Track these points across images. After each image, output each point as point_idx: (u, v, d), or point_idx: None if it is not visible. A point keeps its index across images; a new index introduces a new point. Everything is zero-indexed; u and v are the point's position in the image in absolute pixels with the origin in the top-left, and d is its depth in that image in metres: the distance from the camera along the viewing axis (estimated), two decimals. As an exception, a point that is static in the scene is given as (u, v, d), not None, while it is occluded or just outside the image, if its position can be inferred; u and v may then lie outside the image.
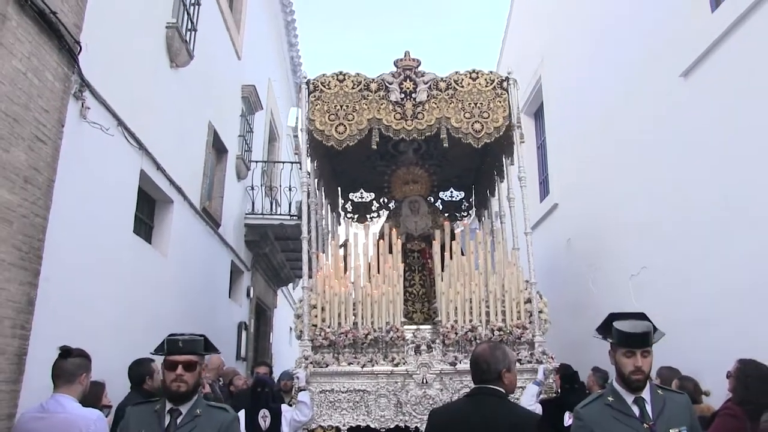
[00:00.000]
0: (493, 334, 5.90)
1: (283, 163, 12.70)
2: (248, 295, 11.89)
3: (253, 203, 11.59)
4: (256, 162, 12.05)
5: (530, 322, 6.07)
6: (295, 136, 17.55)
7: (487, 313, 6.09)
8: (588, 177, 8.65)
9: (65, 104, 4.77)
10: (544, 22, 10.91)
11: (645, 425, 2.90)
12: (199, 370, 3.18)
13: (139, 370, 4.69)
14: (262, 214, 11.66)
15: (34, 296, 4.29)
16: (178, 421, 3.06)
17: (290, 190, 11.41)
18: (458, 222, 9.13)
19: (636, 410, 2.95)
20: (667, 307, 6.02)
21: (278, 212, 11.96)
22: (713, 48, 5.74)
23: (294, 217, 11.23)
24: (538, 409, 5.26)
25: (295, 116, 17.46)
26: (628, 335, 2.98)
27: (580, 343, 6.81)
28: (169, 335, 3.19)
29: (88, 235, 5.26)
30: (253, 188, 11.57)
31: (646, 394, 3.00)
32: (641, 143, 7.08)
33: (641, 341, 2.97)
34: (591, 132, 8.56)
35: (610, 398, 3.02)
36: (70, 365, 3.60)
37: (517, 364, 5.46)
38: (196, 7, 8.06)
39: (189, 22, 7.82)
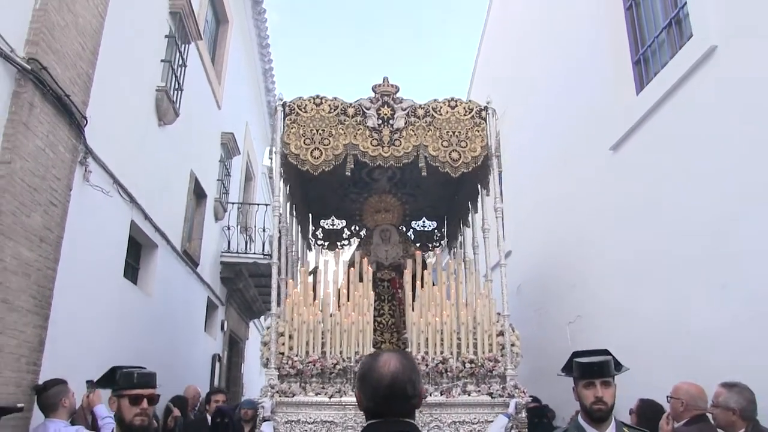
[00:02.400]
0: (465, 367, 5.82)
1: (258, 204, 13.47)
2: (222, 328, 12.59)
3: (228, 242, 12.37)
4: (233, 203, 12.84)
5: (502, 355, 5.97)
6: (270, 177, 18.44)
7: (459, 345, 5.98)
8: (535, 230, 9.59)
9: (73, 171, 5.58)
10: (503, 84, 11.94)
11: None
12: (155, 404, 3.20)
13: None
14: (237, 252, 12.42)
15: (44, 337, 5.05)
16: None
17: (264, 230, 12.23)
18: (430, 252, 8.98)
19: None
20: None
21: (253, 250, 12.72)
22: (638, 125, 6.58)
23: (267, 256, 12.00)
24: None
25: (270, 150, 18.42)
26: (587, 366, 3.06)
27: (526, 380, 7.59)
28: (116, 368, 3.18)
29: (86, 281, 6.02)
30: (229, 228, 12.36)
31: (610, 430, 3.00)
32: (574, 209, 8.04)
33: (599, 371, 3.02)
34: (538, 189, 9.52)
35: None
36: (49, 396, 4.47)
37: (488, 398, 5.73)
38: (183, 68, 8.91)
39: (176, 82, 8.65)
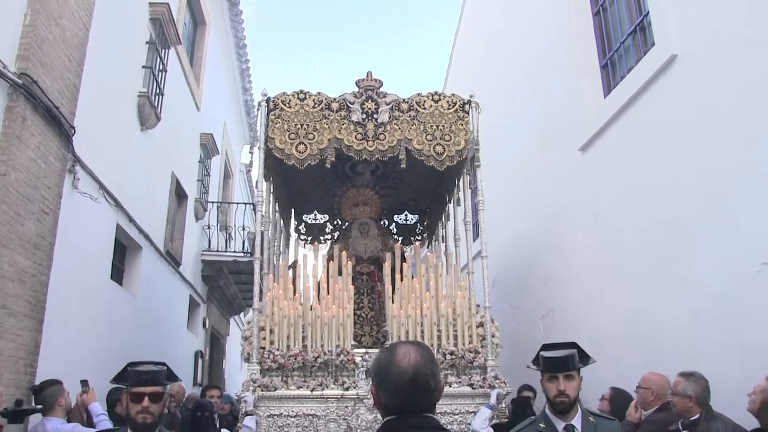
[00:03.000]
0: (445, 358, 5.84)
1: (237, 204, 13.68)
2: (204, 325, 12.81)
3: (209, 241, 12.57)
4: (212, 203, 13.04)
5: (482, 347, 6.02)
6: (248, 172, 18.63)
7: (439, 337, 6.01)
8: (508, 227, 9.94)
9: (62, 179, 5.80)
10: (476, 83, 12.26)
11: None
12: (164, 401, 3.19)
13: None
14: (217, 251, 12.63)
15: (39, 340, 5.29)
16: None
17: (243, 229, 12.46)
18: (410, 245, 8.93)
19: None
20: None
21: (233, 248, 12.95)
22: (606, 127, 6.90)
23: (247, 254, 12.23)
24: None
25: (249, 152, 18.60)
26: (550, 360, 3.14)
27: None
28: (130, 365, 3.22)
29: (76, 285, 6.25)
30: (209, 227, 12.57)
31: (577, 420, 3.07)
32: (546, 207, 8.41)
33: (562, 365, 3.10)
34: (510, 188, 9.84)
35: (541, 425, 3.11)
36: (46, 396, 4.72)
37: (469, 389, 5.78)
38: (163, 73, 9.10)
39: (157, 87, 8.85)
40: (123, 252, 8.28)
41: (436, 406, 1.82)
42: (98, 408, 5.03)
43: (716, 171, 5.00)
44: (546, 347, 3.30)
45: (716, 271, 4.96)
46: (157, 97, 8.80)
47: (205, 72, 12.31)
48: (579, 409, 3.12)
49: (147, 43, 8.51)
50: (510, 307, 9.64)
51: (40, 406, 4.64)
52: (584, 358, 3.27)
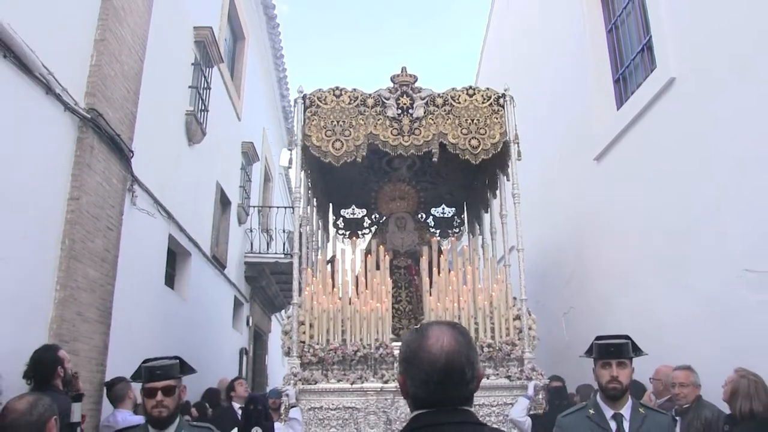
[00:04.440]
0: (483, 351, 5.86)
1: (277, 207, 14.38)
2: (248, 323, 13.56)
3: (251, 243, 13.30)
4: (254, 207, 13.76)
5: (519, 339, 6.06)
6: (287, 174, 19.34)
7: (476, 330, 6.02)
8: (531, 229, 10.36)
9: (123, 198, 6.50)
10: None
11: None
12: (179, 393, 3.23)
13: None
14: (259, 252, 13.36)
15: (107, 342, 6.00)
16: None
17: (284, 231, 13.15)
18: (448, 239, 9.02)
19: (614, 425, 3.11)
20: (585, 341, 7.79)
21: (274, 250, 13.65)
22: (618, 138, 7.35)
23: (287, 255, 12.91)
24: (528, 422, 5.43)
25: (288, 156, 19.27)
26: (604, 347, 3.24)
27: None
28: (144, 361, 3.28)
29: (136, 292, 6.96)
30: (251, 230, 13.30)
31: (626, 410, 3.14)
32: (565, 212, 8.87)
33: (616, 352, 3.18)
34: (534, 193, 10.26)
35: (591, 411, 3.19)
36: (116, 391, 5.40)
37: (507, 381, 5.84)
38: (208, 90, 9.79)
39: (202, 104, 9.53)
40: (174, 258, 9.00)
41: (474, 397, 1.58)
42: None
43: (709, 186, 5.45)
44: (600, 338, 3.39)
45: (708, 275, 5.45)
46: (202, 113, 9.48)
47: (245, 83, 13.00)
48: (629, 399, 3.20)
49: (192, 64, 9.20)
50: (537, 304, 10.11)
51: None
52: (635, 349, 3.33)
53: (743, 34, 5.08)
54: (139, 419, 5.32)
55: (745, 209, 4.95)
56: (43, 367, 4.20)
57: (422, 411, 1.54)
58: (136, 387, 5.71)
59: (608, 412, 3.13)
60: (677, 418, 4.57)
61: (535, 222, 10.31)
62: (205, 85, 9.70)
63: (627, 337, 3.35)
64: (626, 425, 3.10)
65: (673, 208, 6.10)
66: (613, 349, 3.19)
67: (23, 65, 4.68)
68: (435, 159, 6.52)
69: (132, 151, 6.63)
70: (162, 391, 3.10)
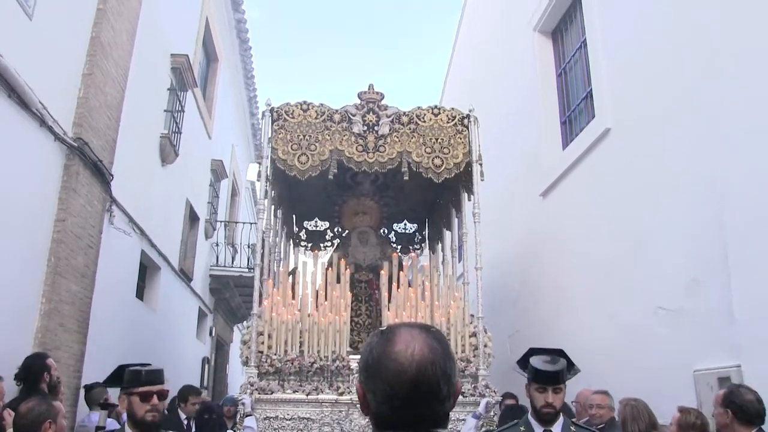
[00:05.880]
0: None
1: (243, 223, 14.94)
2: (210, 333, 14.06)
3: (217, 257, 13.84)
4: (220, 221, 14.30)
5: (474, 356, 6.14)
6: (253, 190, 19.89)
7: None
8: (487, 251, 11.15)
9: (102, 218, 7.05)
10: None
11: None
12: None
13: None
14: (224, 266, 13.90)
15: (84, 351, 6.54)
16: None
17: (249, 247, 13.72)
18: (408, 255, 8.99)
19: None
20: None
21: (238, 263, 14.19)
22: (563, 176, 8.08)
23: (251, 269, 13.44)
24: None
25: (256, 170, 19.84)
26: (541, 373, 3.16)
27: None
28: (120, 367, 3.30)
29: (110, 304, 7.50)
30: (217, 245, 13.85)
31: (557, 428, 3.17)
32: (512, 242, 9.64)
33: (553, 379, 3.15)
34: (490, 218, 11.04)
35: (522, 429, 3.22)
36: (94, 395, 5.94)
37: (460, 397, 6.33)
38: (182, 113, 10.36)
39: (175, 126, 10.09)
40: (144, 272, 9.53)
41: (449, 418, 1.32)
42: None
43: (634, 227, 6.21)
44: (534, 351, 3.35)
45: (629, 308, 6.19)
46: (175, 135, 10.03)
47: (217, 103, 13.58)
48: (561, 417, 3.23)
49: (168, 89, 9.78)
50: (485, 325, 10.85)
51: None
52: (570, 368, 3.36)
53: (669, 89, 5.76)
54: (112, 422, 5.90)
55: (663, 250, 5.67)
56: (32, 373, 4.75)
57: None
58: (111, 392, 6.32)
59: (539, 430, 3.19)
60: None
61: (487, 244, 11.09)
62: (179, 108, 10.27)
63: (561, 353, 3.36)
64: None
65: (604, 245, 6.82)
66: (552, 377, 3.16)
67: (23, 102, 5.26)
68: (406, 178, 6.64)
69: (112, 175, 7.19)
70: (158, 395, 3.10)
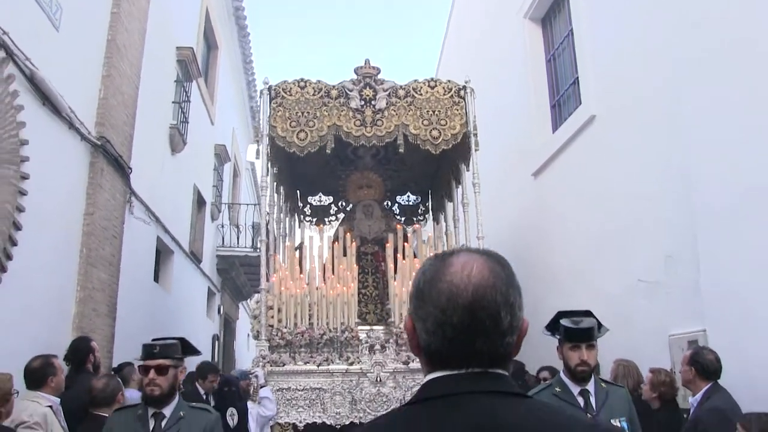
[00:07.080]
0: None
1: (246, 204, 15.45)
2: (219, 312, 14.67)
3: (223, 238, 14.39)
4: (225, 203, 14.82)
5: None
6: (254, 170, 20.37)
7: None
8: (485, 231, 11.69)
9: (124, 209, 7.56)
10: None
11: (588, 415, 3.07)
12: (175, 373, 3.25)
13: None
14: (230, 246, 14.46)
15: (113, 333, 7.10)
16: (163, 424, 3.15)
17: (252, 227, 14.26)
18: (412, 226, 9.00)
19: (581, 401, 3.19)
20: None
21: (243, 243, 14.74)
22: (554, 158, 8.52)
23: (256, 249, 13.98)
24: None
25: (255, 149, 20.30)
26: (574, 331, 3.21)
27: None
28: (149, 342, 3.40)
29: (132, 289, 8.04)
30: (223, 226, 14.39)
31: (590, 386, 3.22)
32: (504, 223, 10.13)
33: (586, 336, 3.19)
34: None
35: (557, 389, 3.24)
36: (124, 374, 6.49)
37: None
38: (188, 103, 10.80)
39: (183, 116, 10.55)
40: (159, 256, 10.07)
41: (510, 359, 1.14)
42: None
43: (619, 207, 6.69)
44: (564, 314, 3.38)
45: (613, 282, 6.75)
46: (183, 124, 10.50)
47: (218, 89, 14.01)
48: (592, 375, 3.29)
49: (175, 81, 10.22)
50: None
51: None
52: (599, 327, 3.39)
53: (648, 81, 6.16)
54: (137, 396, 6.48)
55: (642, 230, 6.17)
56: (79, 353, 5.30)
57: (438, 374, 1.11)
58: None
59: (575, 389, 3.22)
60: None
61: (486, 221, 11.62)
62: (185, 99, 10.72)
63: (589, 313, 3.37)
64: (593, 400, 3.21)
65: (591, 224, 7.31)
66: (584, 334, 3.20)
67: (55, 108, 5.75)
68: (401, 150, 6.73)
69: (131, 168, 7.69)
70: (155, 370, 3.15)
